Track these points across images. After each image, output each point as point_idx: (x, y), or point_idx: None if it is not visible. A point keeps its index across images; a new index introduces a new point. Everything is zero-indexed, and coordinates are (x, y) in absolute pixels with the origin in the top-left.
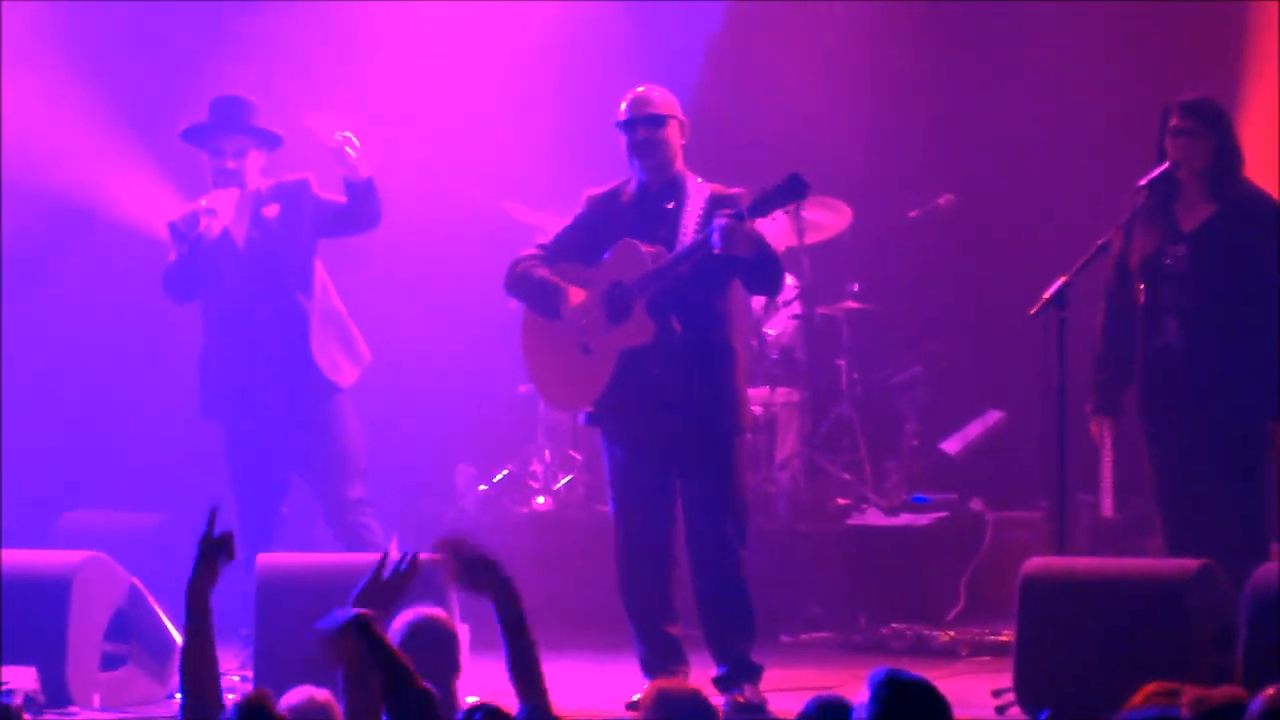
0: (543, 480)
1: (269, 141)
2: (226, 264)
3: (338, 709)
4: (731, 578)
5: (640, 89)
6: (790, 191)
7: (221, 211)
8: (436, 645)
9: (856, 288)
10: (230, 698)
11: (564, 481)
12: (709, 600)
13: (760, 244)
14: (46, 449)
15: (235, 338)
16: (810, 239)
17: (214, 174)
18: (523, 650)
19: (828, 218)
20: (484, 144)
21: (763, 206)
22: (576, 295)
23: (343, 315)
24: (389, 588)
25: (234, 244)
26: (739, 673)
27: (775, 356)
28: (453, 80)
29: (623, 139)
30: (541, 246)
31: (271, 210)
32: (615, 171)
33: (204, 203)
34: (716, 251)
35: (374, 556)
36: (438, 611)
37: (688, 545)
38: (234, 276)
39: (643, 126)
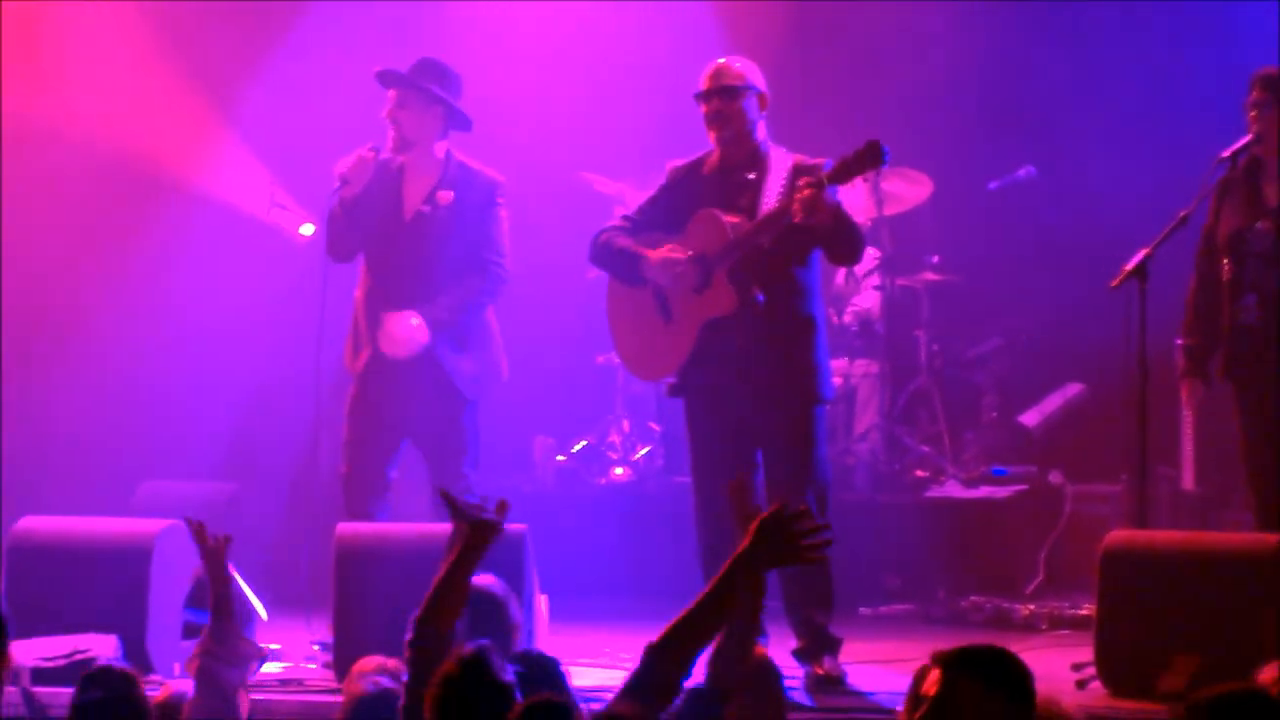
0: (621, 451)
1: (425, 98)
2: (391, 227)
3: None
4: None
5: (721, 60)
6: (870, 158)
7: (356, 179)
8: (478, 608)
9: (936, 259)
10: (311, 666)
11: (643, 452)
12: (788, 572)
13: (840, 213)
14: (126, 419)
15: (382, 301)
16: (890, 210)
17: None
18: None
19: (908, 189)
20: (564, 113)
21: (843, 173)
22: (660, 251)
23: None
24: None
25: (401, 213)
26: (818, 645)
27: (855, 328)
28: (531, 50)
29: (700, 109)
30: (625, 218)
31: (446, 195)
32: (699, 142)
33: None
34: (797, 220)
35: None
36: (486, 578)
37: None
38: (393, 242)
39: (717, 98)
